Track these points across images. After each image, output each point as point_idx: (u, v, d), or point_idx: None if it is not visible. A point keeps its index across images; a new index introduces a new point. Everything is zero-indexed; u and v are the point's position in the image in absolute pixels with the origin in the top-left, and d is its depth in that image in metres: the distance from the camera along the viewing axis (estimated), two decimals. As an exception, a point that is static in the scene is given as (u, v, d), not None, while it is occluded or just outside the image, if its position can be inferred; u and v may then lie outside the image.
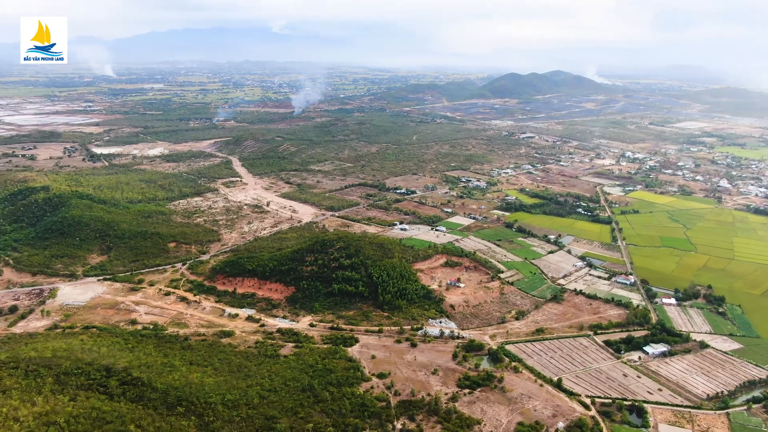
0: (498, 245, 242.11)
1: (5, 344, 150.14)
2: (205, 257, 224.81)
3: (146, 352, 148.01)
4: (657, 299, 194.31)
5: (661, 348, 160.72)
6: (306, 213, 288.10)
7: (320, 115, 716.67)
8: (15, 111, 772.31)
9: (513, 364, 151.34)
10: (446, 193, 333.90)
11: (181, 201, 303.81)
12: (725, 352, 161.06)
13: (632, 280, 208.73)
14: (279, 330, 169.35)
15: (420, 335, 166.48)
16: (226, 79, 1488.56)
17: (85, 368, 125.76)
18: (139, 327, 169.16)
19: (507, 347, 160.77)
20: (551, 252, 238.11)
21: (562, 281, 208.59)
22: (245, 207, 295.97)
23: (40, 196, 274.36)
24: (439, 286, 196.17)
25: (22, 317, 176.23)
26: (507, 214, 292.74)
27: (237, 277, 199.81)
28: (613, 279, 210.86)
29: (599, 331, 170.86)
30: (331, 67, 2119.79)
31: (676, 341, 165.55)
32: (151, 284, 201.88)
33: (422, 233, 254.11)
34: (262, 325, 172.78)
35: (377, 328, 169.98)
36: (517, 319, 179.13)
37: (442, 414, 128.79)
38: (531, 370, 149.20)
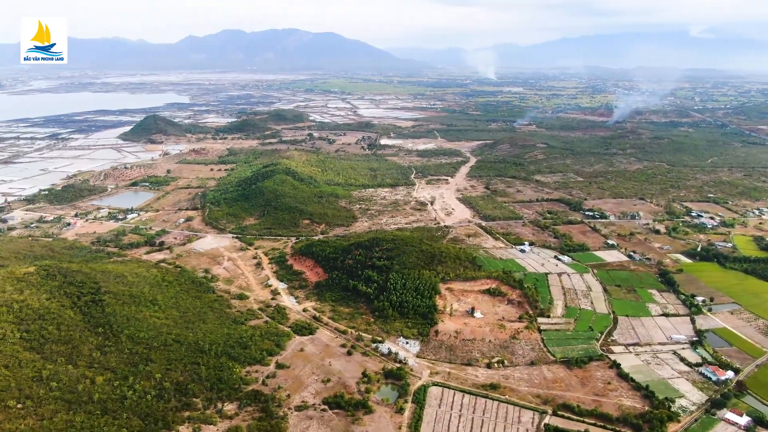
0: (607, 290, 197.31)
1: (113, 261, 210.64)
2: (318, 237, 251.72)
3: (163, 290, 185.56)
4: (722, 410, 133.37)
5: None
6: (458, 217, 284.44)
7: (636, 126, 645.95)
8: (376, 105, 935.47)
9: (407, 405, 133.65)
10: (644, 224, 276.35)
11: (369, 189, 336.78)
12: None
13: (725, 377, 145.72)
14: (277, 306, 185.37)
15: (371, 348, 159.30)
16: (591, 86, 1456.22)
17: (86, 283, 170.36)
18: (202, 275, 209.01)
19: (430, 388, 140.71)
20: (667, 315, 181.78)
21: (619, 348, 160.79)
22: (412, 203, 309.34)
23: (268, 168, 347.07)
24: (451, 309, 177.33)
25: (159, 250, 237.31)
26: (689, 262, 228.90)
27: (303, 257, 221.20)
28: (700, 368, 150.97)
29: (561, 413, 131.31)
30: (740, 77, 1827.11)
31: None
32: (257, 248, 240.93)
33: (535, 258, 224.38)
34: (273, 299, 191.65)
35: (345, 328, 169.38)
36: (488, 366, 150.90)
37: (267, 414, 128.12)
38: (414, 415, 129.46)
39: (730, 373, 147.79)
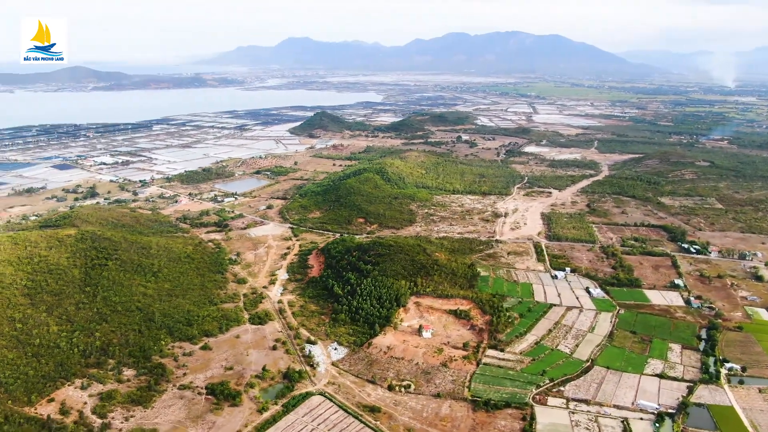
0: (613, 335, 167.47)
1: (168, 235, 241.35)
2: (360, 237, 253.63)
3: (179, 265, 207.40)
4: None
5: None
6: (523, 233, 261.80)
7: None
8: (559, 111, 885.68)
9: (274, 407, 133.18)
10: (750, 267, 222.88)
11: (455, 195, 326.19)
12: None
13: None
14: (260, 294, 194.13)
15: (299, 348, 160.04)
16: None
17: (107, 248, 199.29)
18: (232, 257, 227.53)
19: (313, 397, 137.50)
20: (663, 376, 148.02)
21: (559, 401, 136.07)
22: (487, 213, 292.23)
23: (362, 166, 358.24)
24: (397, 323, 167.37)
25: (219, 231, 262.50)
26: (766, 320, 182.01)
27: (321, 253, 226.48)
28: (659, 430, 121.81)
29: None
30: None
31: None
32: (299, 240, 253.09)
33: (561, 287, 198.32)
34: (265, 287, 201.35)
35: (297, 324, 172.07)
36: (389, 388, 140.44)
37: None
38: (271, 418, 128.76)
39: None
